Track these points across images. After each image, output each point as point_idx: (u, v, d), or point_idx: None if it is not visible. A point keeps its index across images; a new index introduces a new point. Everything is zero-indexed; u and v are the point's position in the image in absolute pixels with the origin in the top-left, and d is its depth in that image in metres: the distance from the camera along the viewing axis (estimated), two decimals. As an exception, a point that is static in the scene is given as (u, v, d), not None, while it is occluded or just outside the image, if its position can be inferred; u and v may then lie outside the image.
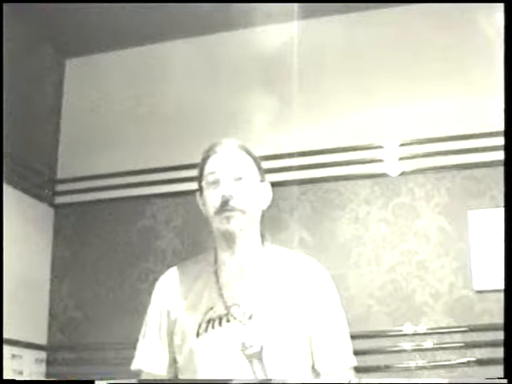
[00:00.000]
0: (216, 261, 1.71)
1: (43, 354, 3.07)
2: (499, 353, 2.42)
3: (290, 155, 3.03)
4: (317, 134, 3.05)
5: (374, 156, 2.97)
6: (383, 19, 3.08)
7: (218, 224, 1.66)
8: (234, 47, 3.25)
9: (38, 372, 3.01)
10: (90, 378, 2.66)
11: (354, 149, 2.98)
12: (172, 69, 3.29)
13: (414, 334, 2.71)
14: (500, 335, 2.42)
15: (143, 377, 1.72)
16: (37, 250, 3.15)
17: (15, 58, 3.03)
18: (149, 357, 1.71)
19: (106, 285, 3.11)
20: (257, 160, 1.75)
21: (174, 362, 1.69)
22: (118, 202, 3.22)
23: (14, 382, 2.27)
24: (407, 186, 2.90)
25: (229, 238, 1.65)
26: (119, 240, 3.17)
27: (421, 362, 2.68)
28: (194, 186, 3.10)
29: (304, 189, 2.99)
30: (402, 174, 2.92)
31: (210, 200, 1.67)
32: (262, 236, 1.75)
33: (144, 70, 3.36)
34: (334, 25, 3.13)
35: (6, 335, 2.67)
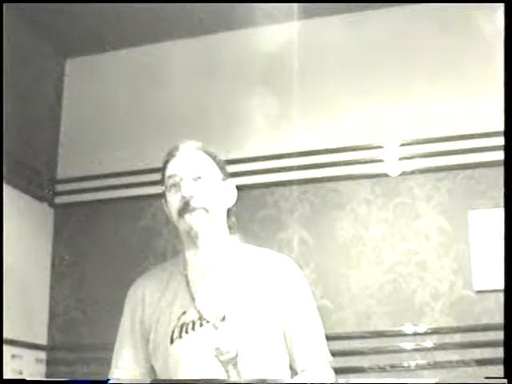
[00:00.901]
0: (185, 263, 1.70)
1: (43, 354, 3.07)
2: (499, 353, 2.42)
3: (290, 155, 3.03)
4: (317, 134, 3.05)
5: (374, 156, 2.97)
6: (383, 19, 3.08)
7: (181, 225, 1.66)
8: (234, 47, 3.25)
9: (38, 372, 3.01)
10: (90, 378, 2.66)
11: (354, 149, 2.98)
12: (172, 69, 3.29)
13: (414, 334, 2.71)
14: (500, 335, 2.41)
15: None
16: (37, 250, 3.15)
17: (15, 58, 3.03)
18: (124, 366, 1.71)
19: (106, 285, 3.11)
20: (216, 159, 1.76)
21: (152, 369, 1.69)
22: (118, 202, 3.22)
23: (14, 381, 2.26)
24: (407, 186, 2.90)
25: (193, 237, 1.65)
26: (119, 240, 3.17)
27: (421, 362, 2.68)
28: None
29: (304, 189, 2.99)
30: (402, 174, 2.92)
31: (172, 203, 1.68)
32: (231, 234, 1.74)
33: (144, 70, 3.35)
34: (334, 25, 3.13)
35: (5, 335, 2.67)
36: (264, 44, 3.13)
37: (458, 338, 2.68)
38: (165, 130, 3.25)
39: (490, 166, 2.76)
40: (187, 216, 1.63)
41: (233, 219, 1.77)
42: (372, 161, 2.96)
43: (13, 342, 2.82)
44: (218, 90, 3.21)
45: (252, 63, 3.19)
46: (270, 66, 3.14)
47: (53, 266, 3.22)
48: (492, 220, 2.72)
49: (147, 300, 1.71)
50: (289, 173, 3.00)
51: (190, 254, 1.68)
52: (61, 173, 3.35)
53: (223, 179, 1.75)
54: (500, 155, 2.34)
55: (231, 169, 3.17)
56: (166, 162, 1.77)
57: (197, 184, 1.67)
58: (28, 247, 3.07)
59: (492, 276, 2.66)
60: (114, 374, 1.73)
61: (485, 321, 2.66)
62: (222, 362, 1.53)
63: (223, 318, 1.59)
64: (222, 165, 1.78)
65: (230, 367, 1.53)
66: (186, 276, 1.68)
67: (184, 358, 1.58)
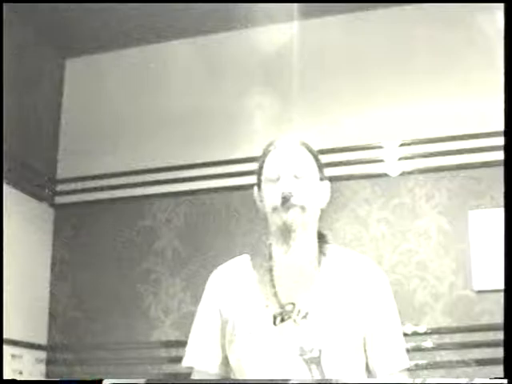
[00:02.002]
0: (271, 257, 1.67)
1: (43, 354, 3.07)
2: (499, 353, 2.42)
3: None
4: (317, 134, 3.05)
5: (374, 156, 2.97)
6: (383, 19, 3.08)
7: (275, 220, 1.62)
8: (234, 47, 3.25)
9: (38, 372, 3.01)
10: (90, 378, 2.66)
11: (354, 149, 2.98)
12: (172, 69, 3.29)
13: (414, 334, 2.71)
14: (500, 335, 2.41)
15: (194, 375, 1.67)
16: (37, 250, 3.15)
17: (15, 58, 3.03)
18: (201, 354, 1.65)
19: (105, 285, 3.11)
20: (317, 157, 1.73)
21: (225, 360, 1.64)
22: (118, 202, 3.22)
23: (14, 381, 2.27)
24: (407, 186, 2.90)
25: (286, 234, 1.62)
26: (119, 240, 3.17)
27: (421, 362, 2.68)
28: (194, 186, 3.14)
29: (304, 189, 2.99)
30: (402, 174, 2.92)
31: (269, 196, 1.64)
32: (321, 235, 1.72)
33: (144, 70, 3.36)
34: (334, 25, 3.13)
35: (5, 335, 2.67)
36: (264, 44, 3.13)
37: (457, 337, 2.68)
38: (165, 129, 3.25)
39: (490, 166, 2.76)
40: (284, 212, 1.60)
41: (323, 219, 1.75)
42: (372, 161, 2.96)
43: (13, 342, 2.82)
44: (218, 89, 3.21)
45: (252, 63, 3.19)
46: (270, 65, 3.14)
47: (53, 266, 3.22)
48: (492, 220, 2.72)
49: (228, 290, 1.66)
50: (289, 173, 2.99)
51: (278, 250, 1.65)
52: (61, 173, 3.35)
53: (321, 179, 1.73)
54: (500, 155, 2.34)
55: (231, 169, 3.21)
56: (267, 153, 1.70)
57: (297, 181, 1.63)
58: (28, 247, 3.07)
59: (492, 276, 2.66)
60: (186, 360, 1.67)
61: (485, 321, 2.66)
62: (305, 360, 1.51)
63: (305, 316, 1.56)
64: (321, 164, 1.74)
65: (313, 366, 1.51)
66: (271, 271, 1.64)
67: (262, 352, 1.55)
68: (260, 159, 1.71)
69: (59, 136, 3.40)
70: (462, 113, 2.89)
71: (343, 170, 2.97)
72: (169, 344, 2.95)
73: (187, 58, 3.28)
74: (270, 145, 1.71)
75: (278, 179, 1.64)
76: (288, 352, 1.53)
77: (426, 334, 2.71)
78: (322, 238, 1.73)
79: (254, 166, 3.06)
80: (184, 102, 3.24)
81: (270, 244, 1.69)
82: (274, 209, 1.62)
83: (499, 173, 2.05)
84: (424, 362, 2.68)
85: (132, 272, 3.11)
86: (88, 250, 3.20)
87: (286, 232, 1.62)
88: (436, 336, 2.71)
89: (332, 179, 2.90)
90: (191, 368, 1.67)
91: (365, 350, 1.62)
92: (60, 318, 3.15)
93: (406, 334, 2.71)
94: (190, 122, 3.22)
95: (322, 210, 1.74)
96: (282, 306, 1.58)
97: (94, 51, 3.42)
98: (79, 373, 2.98)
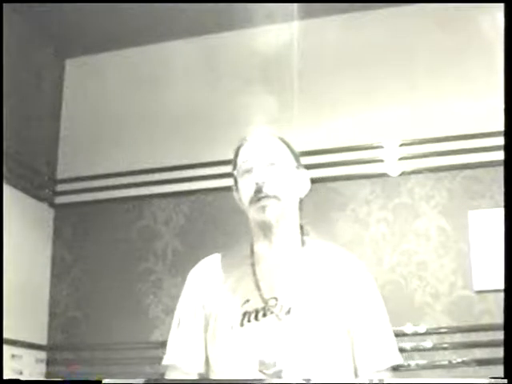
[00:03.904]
0: (252, 252, 1.65)
1: (43, 354, 3.07)
2: (499, 353, 2.41)
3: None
4: (317, 134, 3.05)
5: (374, 156, 2.97)
6: (383, 19, 3.08)
7: (253, 214, 1.60)
8: (234, 47, 3.25)
9: (38, 372, 3.01)
10: (90, 378, 2.66)
11: (354, 149, 2.98)
12: (172, 69, 3.29)
13: (413, 334, 2.71)
14: (500, 335, 2.41)
15: (175, 374, 1.63)
16: (37, 250, 3.15)
17: (15, 58, 3.03)
18: (184, 352, 1.63)
19: (105, 285, 3.11)
20: (290, 146, 1.71)
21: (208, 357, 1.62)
22: (118, 202, 3.22)
23: (13, 381, 2.26)
24: (407, 186, 2.90)
25: (265, 228, 1.60)
26: (119, 240, 3.17)
27: (421, 362, 2.68)
28: (194, 186, 3.14)
29: (304, 189, 2.99)
30: (402, 174, 2.92)
31: (244, 189, 1.62)
32: (302, 228, 1.69)
33: (144, 70, 3.36)
34: (334, 25, 3.13)
35: (5, 335, 2.67)
36: (264, 44, 3.13)
37: (457, 337, 2.68)
38: (165, 129, 3.25)
39: (490, 165, 2.76)
40: (260, 204, 1.57)
41: (303, 210, 1.71)
42: (372, 161, 2.96)
43: (13, 342, 2.82)
44: (218, 89, 3.21)
45: (252, 63, 3.19)
46: (270, 65, 3.14)
47: (53, 265, 3.22)
48: (492, 220, 2.72)
49: (210, 284, 1.64)
50: (289, 173, 2.99)
51: (259, 245, 1.64)
52: (61, 173, 3.35)
53: (297, 167, 1.70)
54: (500, 155, 2.34)
55: (231, 169, 3.20)
56: (239, 147, 1.69)
57: (270, 170, 1.61)
58: (28, 247, 3.07)
59: (492, 276, 2.66)
60: (169, 359, 1.65)
61: (485, 321, 2.66)
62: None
63: (288, 311, 1.54)
64: (296, 153, 1.72)
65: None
66: (253, 265, 1.62)
67: (245, 346, 1.52)
68: (233, 156, 1.70)
69: (59, 136, 3.40)
70: (462, 113, 2.88)
71: (343, 170, 2.97)
72: (169, 344, 2.95)
73: (187, 58, 3.28)
74: (241, 140, 1.70)
75: (251, 170, 1.61)
76: (268, 345, 1.50)
77: (425, 334, 2.71)
78: (303, 231, 1.69)
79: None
80: (184, 102, 3.24)
81: (252, 239, 1.67)
82: (251, 201, 1.59)
83: (499, 173, 2.05)
84: (424, 362, 2.68)
85: (132, 272, 3.11)
86: (88, 249, 3.20)
87: (265, 226, 1.60)
88: (436, 336, 2.71)
89: (332, 179, 2.97)
90: (174, 366, 1.63)
91: (352, 351, 1.59)
92: (60, 318, 3.15)
93: (405, 334, 2.72)
94: (190, 122, 3.22)
95: (301, 201, 1.70)
96: (264, 301, 1.56)
97: (94, 51, 3.41)
98: (79, 373, 2.98)
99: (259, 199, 1.57)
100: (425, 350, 2.69)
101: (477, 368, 2.60)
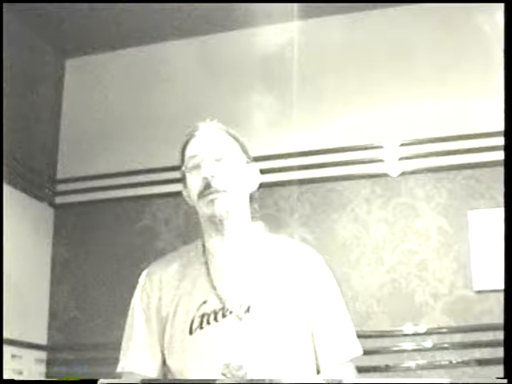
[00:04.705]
0: (204, 250, 1.61)
1: (43, 354, 3.07)
2: (499, 353, 2.42)
3: (290, 155, 3.02)
4: (317, 133, 3.05)
5: (374, 156, 2.97)
6: (383, 19, 3.08)
7: (203, 209, 1.57)
8: (234, 47, 3.25)
9: (38, 372, 3.01)
10: (90, 378, 2.66)
11: (354, 149, 2.98)
12: (172, 69, 3.29)
13: (413, 334, 2.71)
14: (500, 335, 2.42)
15: (131, 379, 1.57)
16: (37, 250, 3.15)
17: (15, 58, 3.03)
18: (140, 358, 1.57)
19: (106, 285, 3.11)
20: (239, 140, 1.67)
21: (164, 362, 1.57)
22: (118, 202, 3.22)
23: (14, 382, 2.27)
24: (407, 186, 2.90)
25: (216, 222, 1.56)
26: (119, 240, 3.17)
27: (421, 362, 2.68)
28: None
29: (304, 189, 2.99)
30: (402, 174, 2.92)
31: (193, 185, 1.58)
32: (253, 221, 1.64)
33: (144, 70, 3.36)
34: (334, 25, 3.13)
35: (5, 335, 2.67)
36: (264, 44, 3.13)
37: (457, 337, 2.68)
38: (165, 129, 3.25)
39: (490, 165, 2.76)
40: (209, 198, 1.54)
41: (255, 205, 1.66)
42: (372, 161, 2.96)
43: (13, 342, 2.82)
44: (218, 89, 3.21)
45: (252, 63, 3.19)
46: (270, 65, 3.14)
47: (53, 266, 3.22)
48: (492, 220, 2.72)
49: (164, 288, 1.59)
50: (289, 173, 3.00)
51: (211, 241, 1.59)
52: (61, 173, 3.35)
53: (247, 162, 1.66)
54: (500, 155, 2.34)
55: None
56: (186, 143, 1.67)
57: (218, 165, 1.57)
58: (28, 247, 3.07)
59: (492, 276, 2.66)
60: (125, 367, 1.57)
61: (485, 321, 2.66)
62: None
63: (248, 309, 1.49)
64: (245, 147, 1.68)
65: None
66: (206, 263, 1.58)
67: (206, 349, 1.47)
68: (180, 152, 1.66)
69: (59, 136, 3.40)
70: (462, 113, 2.89)
71: (343, 170, 2.97)
72: (169, 344, 2.95)
73: (187, 58, 3.28)
74: (187, 135, 1.68)
75: (199, 166, 1.58)
76: (231, 347, 1.45)
77: (425, 334, 2.71)
78: (257, 226, 1.65)
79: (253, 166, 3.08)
80: (184, 102, 3.24)
81: (203, 236, 1.63)
82: (199, 196, 1.56)
83: (499, 173, 2.05)
84: (424, 362, 2.68)
85: (132, 272, 3.10)
86: (88, 250, 3.20)
87: (215, 220, 1.56)
88: (436, 336, 2.71)
89: (332, 179, 2.97)
90: (131, 373, 1.57)
91: (314, 345, 1.55)
92: (60, 318, 3.15)
93: (406, 334, 2.72)
94: (190, 122, 3.21)
95: (252, 196, 1.66)
96: (222, 301, 1.51)
97: (94, 51, 3.42)
98: (79, 373, 2.98)
99: (208, 194, 1.54)
100: (425, 350, 2.69)
101: (477, 368, 2.60)
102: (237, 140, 1.67)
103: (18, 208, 3.00)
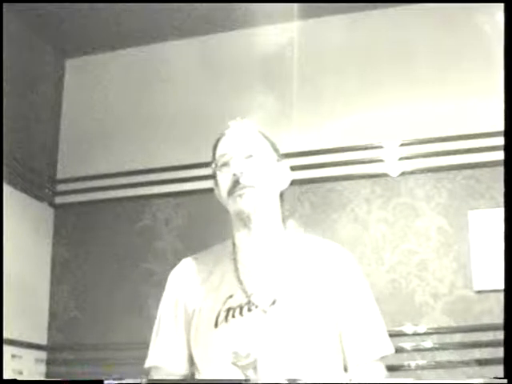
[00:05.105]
0: (234, 247, 1.63)
1: (43, 354, 3.07)
2: (499, 353, 2.42)
3: (290, 155, 3.02)
4: (317, 134, 3.05)
5: (374, 156, 2.97)
6: (383, 19, 3.08)
7: (232, 205, 1.59)
8: (234, 47, 3.25)
9: (38, 372, 3.01)
10: (90, 378, 2.66)
11: (354, 149, 2.98)
12: (172, 69, 3.29)
13: (413, 334, 2.71)
14: (500, 335, 2.42)
15: (159, 375, 1.60)
16: (37, 250, 3.15)
17: (15, 58, 3.03)
18: (166, 353, 1.60)
19: (105, 285, 3.11)
20: (269, 139, 1.70)
21: (191, 357, 1.59)
22: (118, 202, 3.22)
23: (13, 382, 2.26)
24: (407, 186, 2.90)
25: (244, 218, 1.58)
26: (119, 240, 3.17)
27: (421, 362, 2.68)
28: (193, 185, 3.13)
29: (304, 189, 2.99)
30: (402, 174, 2.92)
31: (223, 182, 1.61)
32: (283, 219, 1.67)
33: (144, 70, 3.36)
34: (334, 25, 3.13)
35: (5, 335, 2.67)
36: (264, 44, 3.13)
37: (457, 337, 2.68)
38: (165, 129, 3.25)
39: (490, 165, 2.76)
40: (237, 194, 1.56)
41: (286, 203, 1.70)
42: (372, 161, 2.96)
43: (13, 342, 2.82)
44: (218, 89, 3.21)
45: (252, 63, 3.19)
46: (270, 65, 3.14)
47: (53, 266, 3.22)
48: (492, 220, 2.72)
49: (192, 283, 1.61)
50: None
51: (239, 237, 1.62)
52: (61, 173, 3.35)
53: (277, 160, 1.68)
54: (500, 155, 2.34)
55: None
56: (217, 141, 1.68)
57: (248, 162, 1.59)
58: (28, 247, 3.07)
59: (492, 276, 2.66)
60: (151, 360, 1.62)
61: (485, 321, 2.66)
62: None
63: (273, 303, 1.50)
64: (275, 145, 1.70)
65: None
66: (235, 260, 1.60)
67: (230, 342, 1.47)
68: (212, 151, 1.69)
69: (59, 136, 3.40)
70: (462, 113, 2.89)
71: (343, 170, 2.97)
72: (169, 344, 2.95)
73: (187, 58, 3.28)
74: (219, 134, 1.69)
75: (228, 163, 1.60)
76: (254, 341, 1.46)
77: (425, 334, 2.71)
78: (287, 225, 1.68)
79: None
80: (184, 102, 3.24)
81: (233, 233, 1.65)
82: (229, 193, 1.58)
83: (499, 173, 2.05)
84: (424, 362, 2.68)
85: (132, 272, 3.11)
86: (88, 250, 3.20)
87: (243, 216, 1.58)
88: (436, 336, 2.71)
89: (332, 179, 2.97)
90: (157, 368, 1.60)
91: (341, 343, 1.55)
92: (60, 318, 3.15)
93: (405, 334, 2.72)
94: (190, 122, 3.22)
95: (282, 194, 1.69)
96: (247, 295, 1.53)
97: (93, 51, 3.42)
98: (79, 373, 2.98)
99: (236, 190, 1.56)
100: (425, 349, 2.69)
101: (477, 368, 2.60)
102: (267, 138, 1.69)
103: (18, 208, 3.00)
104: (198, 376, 1.57)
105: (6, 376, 2.67)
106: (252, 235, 1.59)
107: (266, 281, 1.54)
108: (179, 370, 1.60)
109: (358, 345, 1.55)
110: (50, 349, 3.10)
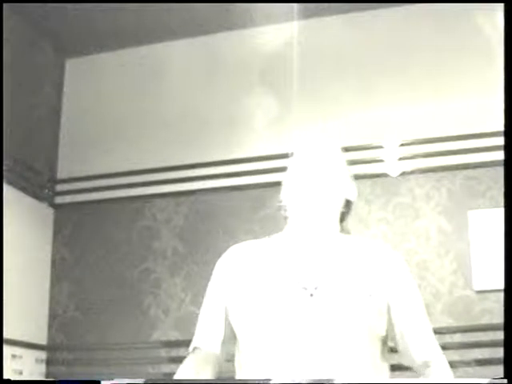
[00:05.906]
0: (286, 238, 1.68)
1: (43, 354, 3.07)
2: (499, 353, 2.41)
3: (290, 155, 3.02)
4: (317, 134, 3.05)
5: (374, 156, 2.97)
6: (383, 19, 3.08)
7: (294, 205, 1.67)
8: (234, 47, 3.25)
9: (37, 372, 3.01)
10: (90, 378, 2.66)
11: (354, 149, 2.98)
12: (172, 69, 3.29)
13: (414, 334, 2.71)
14: (500, 335, 2.41)
15: (199, 355, 1.65)
16: (37, 250, 3.15)
17: (15, 58, 3.03)
18: (205, 335, 1.65)
19: (106, 285, 3.11)
20: (342, 153, 1.85)
21: (230, 339, 1.63)
22: (118, 202, 3.22)
23: (14, 382, 2.26)
24: (407, 186, 2.90)
25: (303, 216, 1.66)
26: (119, 240, 3.17)
27: (421, 362, 2.68)
28: (194, 186, 3.13)
29: (304, 189, 2.99)
30: (402, 174, 2.92)
31: (291, 184, 1.71)
32: (342, 225, 1.76)
33: (144, 70, 3.36)
34: (334, 25, 3.13)
35: (6, 335, 2.67)
36: (264, 44, 3.13)
37: (457, 337, 2.68)
38: (165, 129, 3.25)
39: (490, 165, 2.76)
40: (302, 196, 1.66)
41: (346, 213, 1.82)
42: (372, 161, 2.96)
43: (13, 342, 2.82)
44: (218, 89, 3.21)
45: (252, 63, 3.19)
46: (270, 65, 3.14)
47: (53, 266, 3.22)
48: (492, 220, 2.72)
49: (240, 268, 1.65)
50: (289, 173, 3.00)
51: (293, 229, 1.67)
52: (61, 173, 3.35)
53: (349, 175, 1.82)
54: (500, 155, 2.34)
55: (231, 169, 3.21)
56: (292, 154, 1.80)
57: (321, 170, 1.72)
58: (28, 247, 3.07)
59: (492, 276, 2.66)
60: (198, 343, 1.65)
61: (485, 321, 2.66)
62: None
63: (323, 291, 1.55)
64: (345, 161, 1.85)
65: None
66: (285, 247, 1.65)
67: (277, 325, 1.52)
68: (288, 161, 1.79)
69: (59, 136, 3.40)
70: (462, 113, 2.89)
71: (343, 170, 2.97)
72: (169, 344, 2.95)
73: (187, 58, 3.29)
74: (294, 149, 1.82)
75: (301, 168, 1.73)
76: (299, 326, 1.50)
77: (425, 333, 2.71)
78: (344, 228, 1.76)
79: (253, 165, 3.09)
80: (184, 102, 3.24)
81: (286, 218, 1.70)
82: (294, 193, 1.68)
83: (499, 173, 2.06)
84: (424, 361, 2.68)
85: (132, 272, 3.11)
86: (88, 249, 3.20)
87: (303, 215, 1.66)
88: (436, 336, 2.70)
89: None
90: (197, 348, 1.65)
91: (397, 345, 1.69)
92: (60, 318, 3.15)
93: (405, 334, 2.71)
94: (189, 122, 3.22)
95: (349, 202, 1.81)
96: (298, 281, 1.56)
97: (94, 51, 3.42)
98: (79, 373, 2.98)
99: (303, 193, 1.66)
100: (425, 349, 2.69)
101: (477, 368, 2.60)
102: (342, 155, 1.84)
103: (18, 208, 3.00)
104: (238, 351, 1.61)
105: (6, 376, 2.68)
106: (307, 229, 1.66)
107: (314, 270, 1.59)
108: (215, 350, 1.64)
109: (424, 344, 1.73)
110: (50, 349, 3.10)
